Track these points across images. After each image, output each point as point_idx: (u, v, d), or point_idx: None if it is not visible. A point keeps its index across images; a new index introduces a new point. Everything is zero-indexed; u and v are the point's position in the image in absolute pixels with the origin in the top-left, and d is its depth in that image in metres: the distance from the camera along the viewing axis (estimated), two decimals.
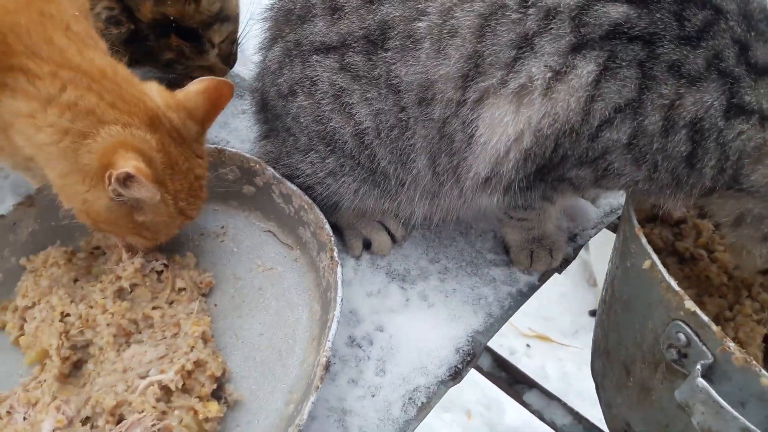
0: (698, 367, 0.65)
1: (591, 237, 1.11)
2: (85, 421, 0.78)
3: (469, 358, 0.92)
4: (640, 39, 0.74)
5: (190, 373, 0.81)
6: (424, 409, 0.86)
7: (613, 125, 0.77)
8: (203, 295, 0.94)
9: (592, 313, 2.21)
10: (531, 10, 0.76)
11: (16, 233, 0.96)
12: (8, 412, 0.79)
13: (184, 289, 0.92)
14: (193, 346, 0.83)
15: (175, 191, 0.83)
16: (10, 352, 0.88)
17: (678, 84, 0.74)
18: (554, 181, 0.87)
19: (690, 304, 0.68)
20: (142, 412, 0.77)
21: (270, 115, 1.02)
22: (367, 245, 1.04)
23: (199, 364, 0.82)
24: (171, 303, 0.91)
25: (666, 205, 0.83)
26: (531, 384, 1.24)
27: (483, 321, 0.96)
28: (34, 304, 0.89)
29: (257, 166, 1.00)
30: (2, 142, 0.82)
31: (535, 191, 0.90)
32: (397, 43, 0.83)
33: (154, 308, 0.89)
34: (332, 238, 0.91)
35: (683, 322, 0.69)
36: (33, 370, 0.84)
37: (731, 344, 0.64)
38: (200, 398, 0.80)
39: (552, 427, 1.18)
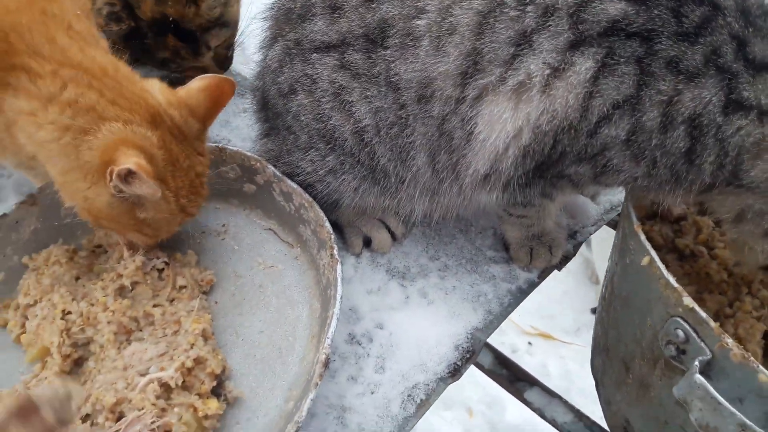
0: (696, 363, 0.65)
1: (591, 234, 1.10)
2: (85, 418, 0.78)
3: (468, 355, 0.92)
4: (638, 35, 0.74)
5: (190, 370, 0.81)
6: (423, 407, 0.86)
7: (611, 122, 0.77)
8: (204, 292, 0.94)
9: (594, 311, 2.21)
10: (529, 8, 0.76)
11: (19, 232, 0.96)
12: None
13: (185, 286, 0.92)
14: (193, 344, 0.84)
15: (176, 188, 0.83)
16: (12, 350, 0.88)
17: (676, 80, 0.74)
18: (553, 177, 0.87)
19: (688, 301, 0.68)
20: (142, 409, 0.77)
21: (270, 113, 1.02)
22: (367, 243, 1.04)
23: (199, 361, 0.82)
24: (172, 301, 0.91)
25: (665, 202, 0.83)
26: (532, 382, 1.24)
27: (482, 318, 0.96)
28: (35, 302, 0.90)
29: (258, 164, 1.00)
30: (5, 141, 0.83)
31: (534, 188, 0.90)
32: (396, 41, 0.83)
33: (154, 306, 0.89)
34: (332, 236, 0.91)
35: (682, 318, 0.69)
36: (34, 367, 0.85)
37: (729, 340, 0.64)
38: (200, 395, 0.80)
39: (553, 425, 1.19)
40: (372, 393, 0.87)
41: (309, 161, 0.97)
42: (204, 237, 1.02)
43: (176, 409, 0.78)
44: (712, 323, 0.65)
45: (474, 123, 0.82)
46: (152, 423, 0.77)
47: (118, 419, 0.78)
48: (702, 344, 0.66)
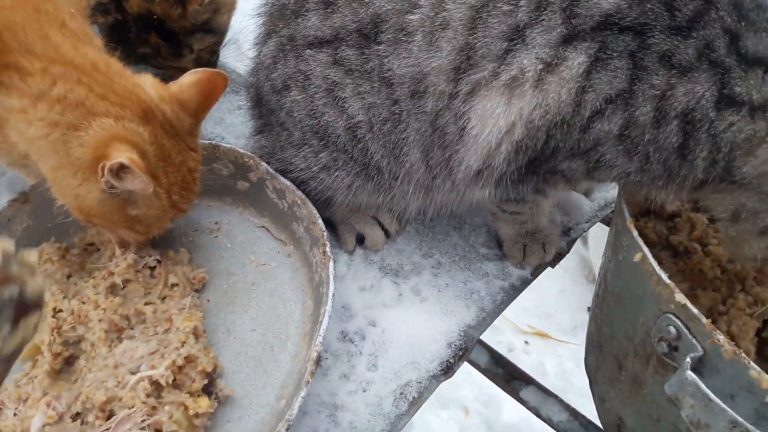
0: (688, 360, 0.65)
1: (585, 231, 1.10)
2: (75, 416, 0.78)
3: (461, 353, 0.91)
4: (630, 29, 0.74)
5: (180, 368, 0.81)
6: (415, 404, 0.86)
7: (604, 116, 0.77)
8: (196, 290, 0.94)
9: None
10: (522, 2, 0.76)
11: (10, 229, 0.96)
12: None
13: (176, 284, 0.92)
14: (184, 342, 0.83)
15: (168, 184, 0.83)
16: None
17: (669, 74, 0.73)
18: (546, 173, 0.87)
19: (680, 297, 0.67)
20: (132, 407, 0.77)
21: (264, 110, 1.02)
22: (360, 240, 1.04)
23: (190, 359, 0.82)
24: (163, 299, 0.91)
25: (658, 198, 0.83)
26: (528, 380, 1.23)
27: (475, 315, 0.96)
28: None
29: (251, 161, 1.00)
30: None
31: (527, 184, 0.89)
32: (389, 36, 0.83)
33: (146, 304, 0.89)
34: (325, 233, 0.90)
35: (674, 315, 0.68)
36: (25, 366, 0.84)
37: (721, 337, 0.63)
38: (191, 394, 0.80)
39: (549, 424, 1.18)
40: (364, 391, 0.87)
41: (302, 158, 0.96)
42: (197, 235, 1.02)
43: (167, 408, 0.78)
44: (704, 319, 0.65)
45: (467, 118, 0.82)
46: (142, 421, 0.76)
47: (109, 418, 0.77)
48: (694, 341, 0.66)
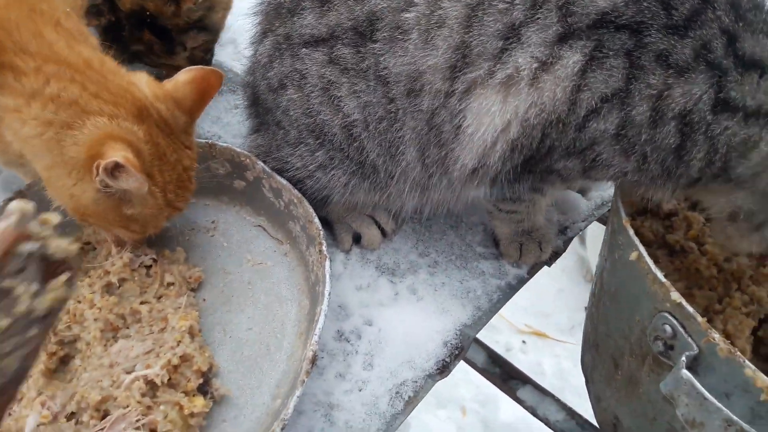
0: (683, 358, 0.65)
1: (581, 230, 1.10)
2: (70, 416, 0.77)
3: (457, 352, 0.91)
4: (627, 28, 0.74)
5: (176, 367, 0.81)
6: (411, 403, 0.86)
7: (600, 115, 0.77)
8: (192, 289, 0.93)
9: None
10: (517, 0, 0.76)
11: None
12: None
13: (172, 283, 0.92)
14: (179, 341, 0.83)
15: (164, 183, 0.83)
16: None
17: (666, 74, 0.73)
18: (542, 172, 0.87)
19: (676, 296, 0.67)
20: (127, 407, 0.76)
21: (261, 108, 1.02)
22: (357, 239, 1.04)
23: (185, 358, 0.81)
24: (159, 298, 0.90)
25: (655, 197, 0.83)
26: (525, 380, 1.23)
27: (471, 314, 0.96)
28: None
29: (248, 160, 1.00)
30: None
31: (523, 183, 0.89)
32: (385, 34, 0.83)
33: (142, 303, 0.88)
34: (321, 232, 0.90)
35: (669, 313, 0.68)
36: None
37: (716, 335, 0.63)
38: (186, 393, 0.80)
39: (545, 423, 1.18)
40: (360, 390, 0.87)
41: (298, 157, 0.96)
42: (193, 234, 1.02)
43: (162, 407, 0.78)
44: (699, 318, 0.65)
45: (462, 116, 0.82)
46: (137, 421, 0.76)
47: (103, 417, 0.77)
48: (689, 339, 0.66)
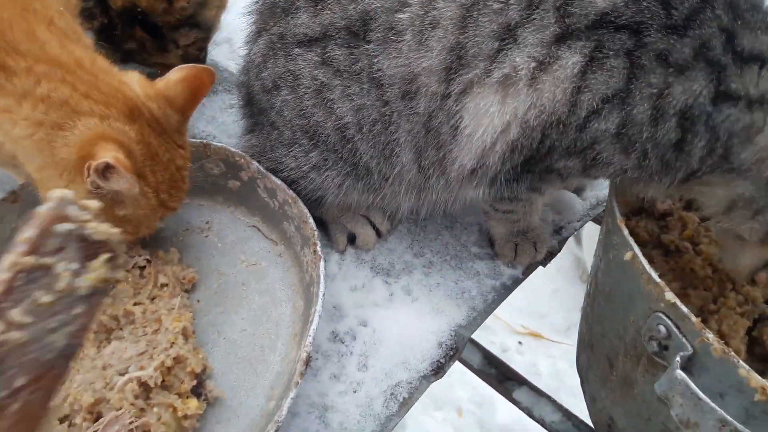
0: (677, 359, 0.65)
1: (576, 230, 1.10)
2: (63, 419, 0.77)
3: (451, 353, 0.91)
4: (626, 28, 0.74)
5: (169, 369, 0.80)
6: (405, 405, 0.85)
7: (601, 116, 0.77)
8: (186, 290, 0.93)
9: None
10: (512, 0, 0.76)
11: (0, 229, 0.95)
12: None
13: (166, 284, 0.91)
14: (173, 342, 0.82)
15: (156, 183, 0.82)
16: None
17: (666, 73, 0.73)
18: (541, 172, 0.87)
19: (670, 296, 0.67)
20: (120, 409, 0.76)
21: (255, 109, 1.01)
22: (351, 240, 1.03)
23: (178, 360, 0.81)
24: (153, 299, 0.90)
25: (651, 194, 0.83)
26: (521, 381, 1.23)
27: (466, 315, 0.95)
28: None
29: (242, 160, 1.00)
30: None
31: (521, 183, 0.89)
32: (378, 35, 0.82)
33: (135, 304, 0.88)
34: (316, 233, 0.90)
35: (664, 313, 0.68)
36: None
37: (710, 335, 0.63)
38: (180, 395, 0.79)
39: (541, 424, 1.18)
40: (354, 391, 0.86)
41: (293, 157, 0.96)
42: (187, 234, 1.01)
43: (155, 409, 0.77)
44: (694, 318, 0.65)
45: (459, 117, 0.82)
46: (130, 423, 0.75)
47: (96, 420, 0.76)
48: (683, 339, 0.66)
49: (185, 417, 0.78)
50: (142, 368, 0.79)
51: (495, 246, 1.04)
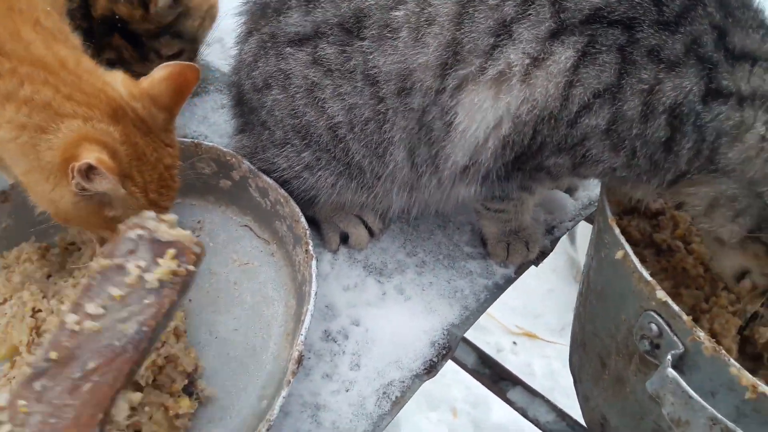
0: (669, 357, 0.65)
1: (568, 229, 1.10)
2: None
3: (444, 352, 0.91)
4: (619, 23, 0.74)
5: (161, 368, 0.80)
6: (398, 404, 0.85)
7: (592, 111, 0.77)
8: None
9: None
10: None
11: None
12: None
13: None
14: (164, 342, 0.82)
15: (145, 183, 0.81)
16: None
17: (657, 69, 0.74)
18: (532, 170, 0.87)
19: (661, 294, 0.67)
20: None
21: (246, 108, 1.01)
22: (344, 239, 1.03)
23: (170, 359, 0.81)
24: None
25: (639, 195, 0.83)
26: (515, 381, 1.24)
27: (459, 314, 0.95)
28: (5, 300, 0.88)
29: (233, 159, 0.99)
30: None
31: (512, 181, 0.89)
32: (373, 32, 0.82)
33: None
34: (307, 232, 0.90)
35: (655, 312, 0.68)
36: (3, 366, 0.83)
37: (701, 334, 0.63)
38: (171, 394, 0.79)
39: (535, 424, 1.18)
40: (347, 391, 0.86)
41: (285, 157, 0.96)
42: None
43: (147, 408, 0.77)
44: (685, 316, 0.65)
45: (454, 113, 0.82)
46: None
47: None
48: (675, 338, 0.66)
49: (177, 416, 0.77)
50: None
51: (487, 245, 1.04)
